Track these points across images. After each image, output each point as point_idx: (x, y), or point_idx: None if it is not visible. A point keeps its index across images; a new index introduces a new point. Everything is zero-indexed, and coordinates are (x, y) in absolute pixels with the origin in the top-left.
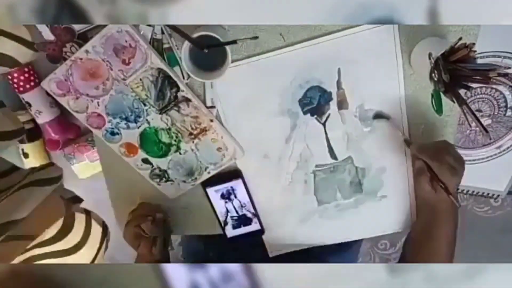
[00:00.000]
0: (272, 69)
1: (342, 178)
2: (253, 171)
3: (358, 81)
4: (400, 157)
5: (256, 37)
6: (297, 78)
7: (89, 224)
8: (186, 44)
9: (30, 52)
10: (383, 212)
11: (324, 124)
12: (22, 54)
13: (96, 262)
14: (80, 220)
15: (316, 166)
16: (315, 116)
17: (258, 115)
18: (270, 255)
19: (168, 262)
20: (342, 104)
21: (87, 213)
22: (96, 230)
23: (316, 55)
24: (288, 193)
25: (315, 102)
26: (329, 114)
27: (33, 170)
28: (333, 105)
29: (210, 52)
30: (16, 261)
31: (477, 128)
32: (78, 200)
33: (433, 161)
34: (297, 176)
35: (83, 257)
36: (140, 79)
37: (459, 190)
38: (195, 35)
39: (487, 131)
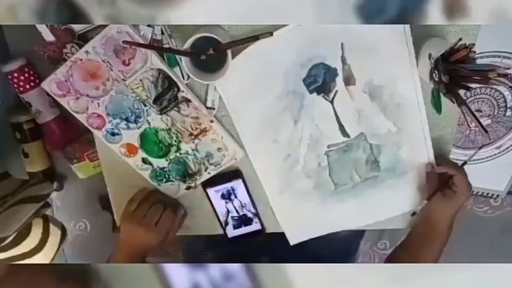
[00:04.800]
0: (271, 51)
1: (357, 157)
2: (263, 157)
3: (364, 55)
4: (416, 126)
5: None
6: (298, 57)
7: (47, 228)
8: (187, 45)
9: None
10: (403, 190)
11: (332, 102)
12: None
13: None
14: (37, 225)
15: (328, 146)
16: (322, 94)
17: (263, 100)
18: (291, 243)
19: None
20: (349, 80)
21: (45, 217)
22: (55, 234)
23: (316, 31)
24: (302, 178)
25: (320, 80)
26: (336, 91)
27: (25, 183)
28: (339, 81)
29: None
30: None
31: (477, 128)
32: (47, 204)
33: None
34: (309, 159)
35: (39, 260)
36: (140, 80)
37: None
38: (195, 37)
39: (486, 131)
